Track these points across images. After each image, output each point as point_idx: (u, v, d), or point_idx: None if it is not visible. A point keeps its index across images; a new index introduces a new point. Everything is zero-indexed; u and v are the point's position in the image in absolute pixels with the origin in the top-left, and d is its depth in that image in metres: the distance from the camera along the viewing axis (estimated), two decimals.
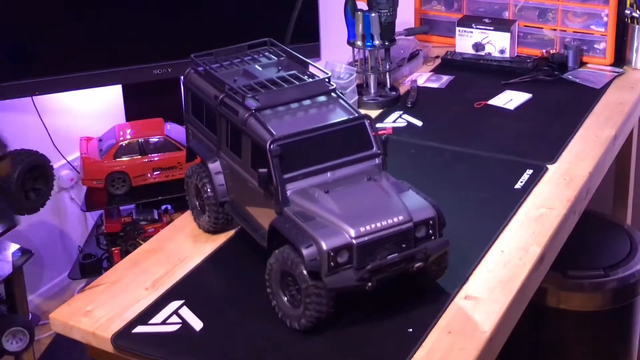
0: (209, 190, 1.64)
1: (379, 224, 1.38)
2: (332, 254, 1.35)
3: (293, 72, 1.62)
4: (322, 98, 1.56)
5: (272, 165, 1.43)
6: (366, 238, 1.37)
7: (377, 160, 1.51)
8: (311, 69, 1.65)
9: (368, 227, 1.37)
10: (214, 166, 1.63)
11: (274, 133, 1.44)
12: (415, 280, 1.48)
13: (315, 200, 1.42)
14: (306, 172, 1.46)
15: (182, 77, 2.97)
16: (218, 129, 1.61)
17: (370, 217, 1.39)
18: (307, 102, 1.55)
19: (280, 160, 1.43)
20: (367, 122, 1.51)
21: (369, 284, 1.37)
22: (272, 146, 1.42)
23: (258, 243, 1.53)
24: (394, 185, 1.47)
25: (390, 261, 1.38)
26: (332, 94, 1.57)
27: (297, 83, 1.57)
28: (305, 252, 1.35)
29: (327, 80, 1.59)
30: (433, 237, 1.43)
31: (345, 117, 1.51)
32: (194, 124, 1.72)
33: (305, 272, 1.36)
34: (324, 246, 1.35)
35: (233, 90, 1.56)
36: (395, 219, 1.39)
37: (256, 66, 1.67)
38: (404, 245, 1.40)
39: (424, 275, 1.48)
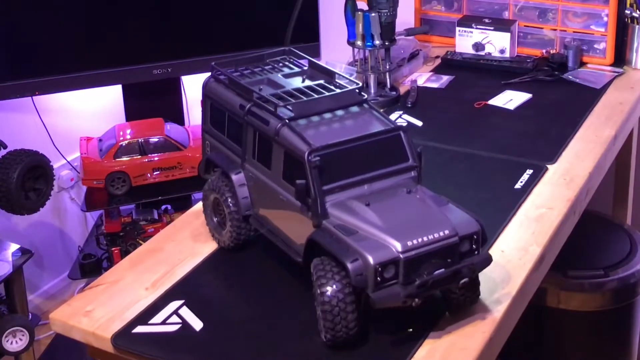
0: (231, 203, 1.57)
1: (425, 238, 1.32)
2: (379, 268, 1.29)
3: (320, 81, 1.56)
4: (355, 108, 1.49)
5: (311, 176, 1.36)
6: (413, 252, 1.31)
7: (412, 173, 1.45)
8: (338, 79, 1.58)
9: (415, 241, 1.31)
10: (238, 178, 1.55)
11: (312, 143, 1.38)
12: (456, 309, 1.43)
13: (356, 213, 1.36)
14: (344, 184, 1.39)
15: (181, 76, 2.99)
16: (243, 140, 1.54)
17: (415, 231, 1.33)
18: (339, 112, 1.48)
19: (319, 172, 1.37)
20: (402, 134, 1.45)
21: (416, 300, 1.32)
22: (310, 157, 1.35)
23: (258, 243, 1.52)
24: (432, 198, 1.42)
25: (438, 277, 1.32)
26: (365, 104, 1.51)
27: (328, 93, 1.50)
28: (351, 266, 1.28)
29: (358, 90, 1.52)
30: (476, 252, 1.39)
31: (381, 128, 1.45)
32: (214, 135, 1.64)
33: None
34: (371, 260, 1.28)
35: (263, 99, 1.49)
36: (442, 233, 1.33)
37: (279, 75, 1.61)
38: (449, 260, 1.34)
39: (458, 304, 1.43)
